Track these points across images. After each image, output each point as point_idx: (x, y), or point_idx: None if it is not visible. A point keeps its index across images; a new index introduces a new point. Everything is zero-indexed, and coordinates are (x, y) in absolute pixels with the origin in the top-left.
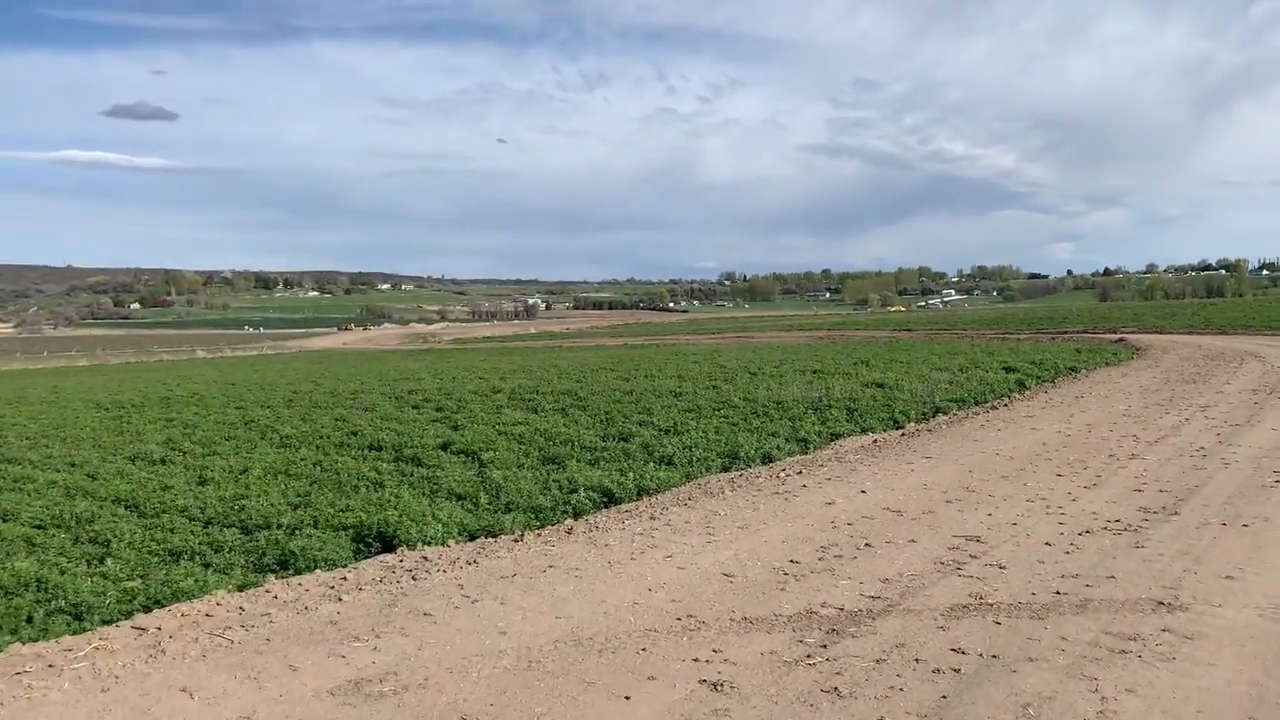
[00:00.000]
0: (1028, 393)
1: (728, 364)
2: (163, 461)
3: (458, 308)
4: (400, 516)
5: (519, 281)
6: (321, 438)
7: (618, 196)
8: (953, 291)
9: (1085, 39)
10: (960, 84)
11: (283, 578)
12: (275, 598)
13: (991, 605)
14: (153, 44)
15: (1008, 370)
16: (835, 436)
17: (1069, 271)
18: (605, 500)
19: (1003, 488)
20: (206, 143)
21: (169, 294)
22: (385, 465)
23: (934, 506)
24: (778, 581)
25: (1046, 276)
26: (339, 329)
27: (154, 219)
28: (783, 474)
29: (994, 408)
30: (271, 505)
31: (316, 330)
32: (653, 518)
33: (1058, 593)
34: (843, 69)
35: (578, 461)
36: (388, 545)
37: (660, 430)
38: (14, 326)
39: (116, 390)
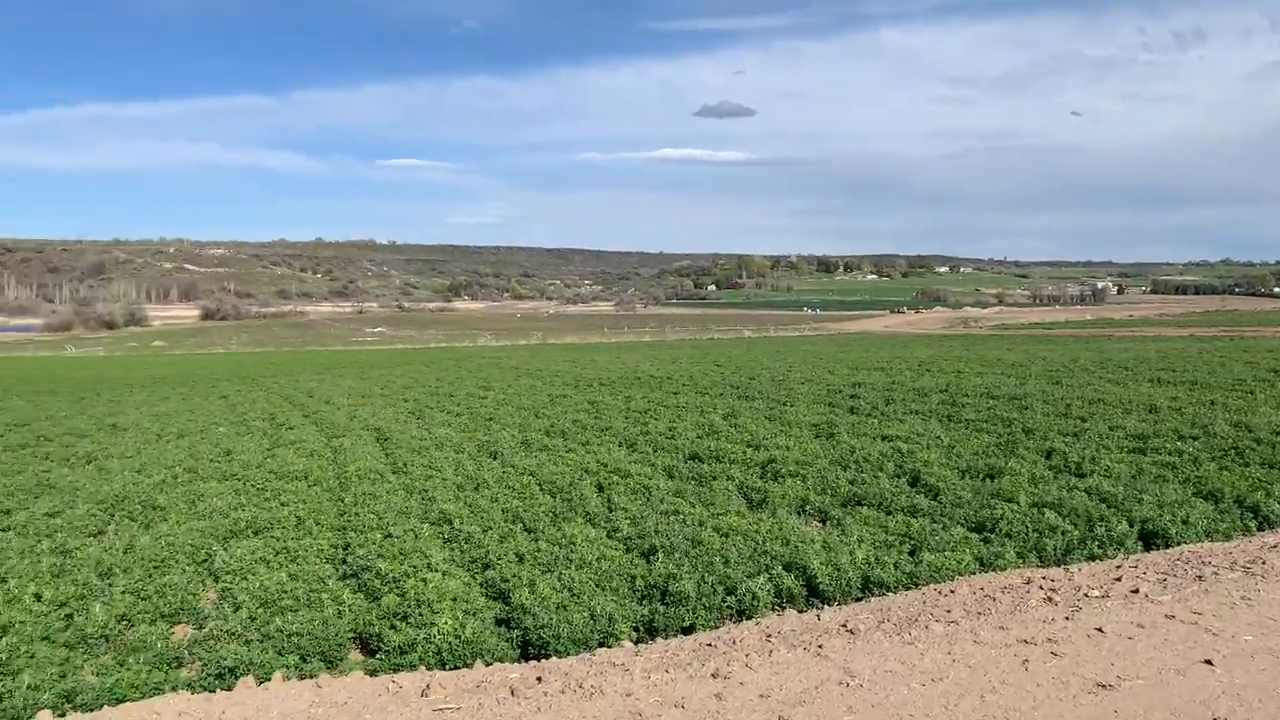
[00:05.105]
0: None
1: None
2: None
3: (1017, 291)
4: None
5: (1088, 264)
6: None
7: (1210, 167)
8: None
9: None
10: None
11: None
12: None
13: None
14: (734, 46)
15: None
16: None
17: None
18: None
19: None
20: (778, 135)
21: (740, 277)
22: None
23: None
24: None
25: None
26: (890, 311)
27: (731, 208)
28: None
29: None
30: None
31: (868, 312)
32: None
33: None
34: None
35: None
36: None
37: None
38: (614, 305)
39: (557, 373)
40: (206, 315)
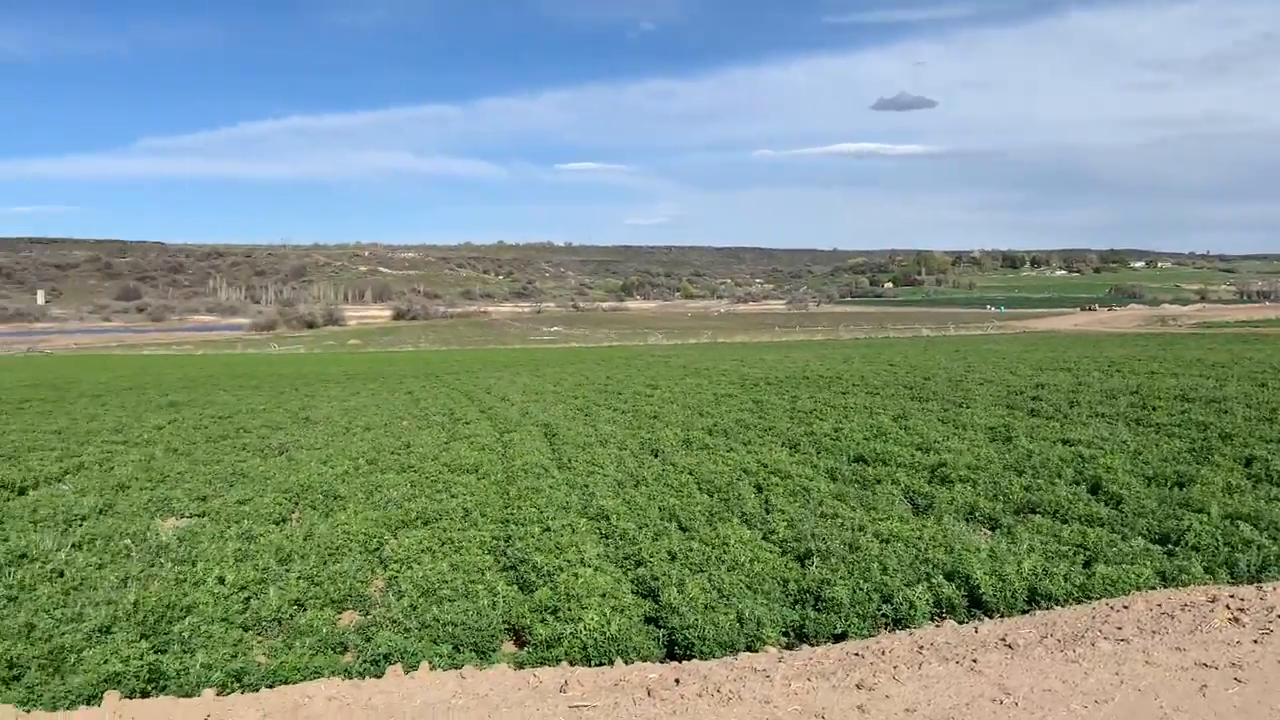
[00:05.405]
0: None
1: None
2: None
3: (1221, 287)
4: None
5: None
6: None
7: None
8: None
9: None
10: None
11: None
12: None
13: None
14: (913, 37)
15: None
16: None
17: None
18: None
19: None
20: (960, 126)
21: (919, 273)
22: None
23: None
24: None
25: None
26: (1080, 309)
27: (908, 203)
28: None
29: None
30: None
31: (1057, 310)
32: None
33: None
34: None
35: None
36: None
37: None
38: (786, 304)
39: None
40: (398, 315)
